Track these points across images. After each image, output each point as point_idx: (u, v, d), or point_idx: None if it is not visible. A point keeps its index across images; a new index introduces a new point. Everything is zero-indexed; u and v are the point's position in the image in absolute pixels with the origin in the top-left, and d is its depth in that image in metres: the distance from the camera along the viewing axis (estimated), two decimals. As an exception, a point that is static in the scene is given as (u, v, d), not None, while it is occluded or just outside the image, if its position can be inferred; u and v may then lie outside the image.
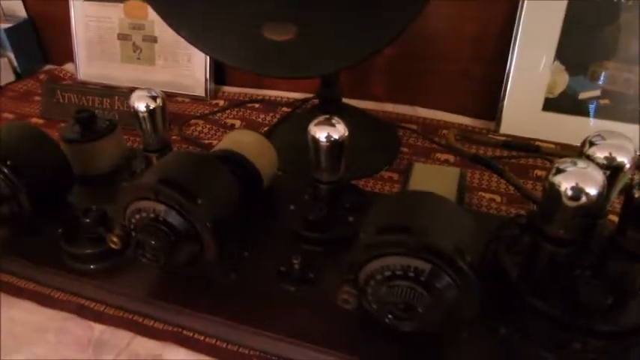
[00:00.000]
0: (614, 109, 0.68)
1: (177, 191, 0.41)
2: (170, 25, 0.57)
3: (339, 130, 0.46)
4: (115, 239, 0.42)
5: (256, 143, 0.54)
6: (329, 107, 0.69)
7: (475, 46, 0.75)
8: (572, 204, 0.35)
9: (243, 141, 0.53)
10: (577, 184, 0.35)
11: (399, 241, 0.36)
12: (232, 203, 0.45)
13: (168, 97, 0.83)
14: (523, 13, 0.68)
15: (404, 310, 0.36)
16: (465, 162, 0.59)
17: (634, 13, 0.65)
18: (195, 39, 0.56)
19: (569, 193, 0.35)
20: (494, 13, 0.72)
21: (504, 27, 0.71)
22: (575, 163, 0.36)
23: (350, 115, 0.69)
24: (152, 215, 0.41)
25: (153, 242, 0.40)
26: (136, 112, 0.51)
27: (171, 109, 0.80)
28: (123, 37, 0.88)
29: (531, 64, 0.69)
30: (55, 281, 0.49)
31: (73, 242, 0.49)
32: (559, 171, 0.36)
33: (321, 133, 0.46)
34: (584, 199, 0.35)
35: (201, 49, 0.58)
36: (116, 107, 0.76)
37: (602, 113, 0.68)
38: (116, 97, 0.77)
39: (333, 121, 0.46)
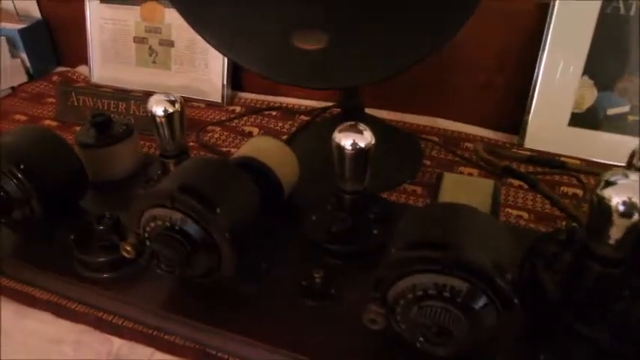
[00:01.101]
0: (643, 125, 0.66)
1: (195, 199, 0.39)
2: (199, 32, 0.55)
3: (365, 138, 0.44)
4: (128, 248, 0.40)
5: (277, 150, 0.53)
6: (351, 117, 0.67)
7: (499, 58, 0.73)
8: (623, 221, 0.33)
9: (264, 148, 0.52)
10: (630, 198, 0.32)
11: (433, 258, 0.33)
12: (252, 213, 0.44)
13: (186, 101, 0.82)
14: (552, 24, 0.66)
15: (437, 334, 0.34)
16: (491, 176, 0.57)
17: (667, 28, 0.63)
18: (224, 46, 0.54)
19: (621, 208, 0.32)
20: (520, 25, 0.70)
21: (531, 38, 0.70)
22: (626, 176, 0.33)
23: (372, 126, 0.67)
24: (168, 224, 0.40)
25: (168, 252, 0.39)
26: (153, 117, 0.50)
27: (188, 115, 0.78)
28: (139, 40, 0.87)
29: (559, 78, 0.68)
30: (66, 290, 0.47)
31: (86, 250, 0.47)
32: (609, 184, 0.33)
33: (346, 141, 0.44)
34: (637, 215, 0.32)
35: (226, 55, 0.57)
36: (132, 112, 0.75)
37: (631, 130, 0.67)
38: (132, 102, 0.75)
39: (360, 128, 0.44)
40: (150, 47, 0.86)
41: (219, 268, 0.41)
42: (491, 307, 0.33)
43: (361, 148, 0.43)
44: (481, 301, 0.33)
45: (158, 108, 0.49)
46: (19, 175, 0.46)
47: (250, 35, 0.53)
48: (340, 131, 0.44)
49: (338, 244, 0.47)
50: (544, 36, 0.67)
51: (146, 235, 0.41)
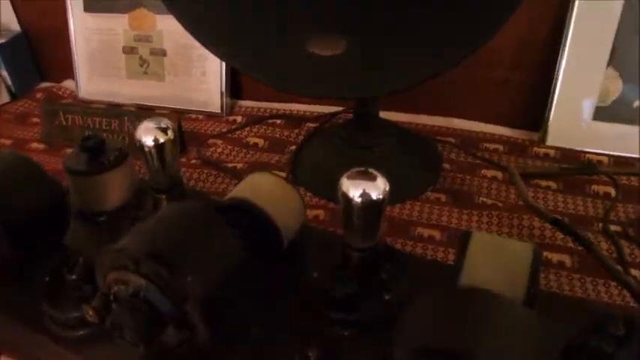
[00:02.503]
0: (671, 117, 0.63)
1: (161, 264, 0.33)
2: (206, 46, 0.51)
3: (377, 186, 0.36)
4: (90, 312, 0.34)
5: (278, 190, 0.45)
6: (365, 123, 0.63)
7: (516, 52, 0.69)
8: None
9: (262, 187, 0.45)
10: None
11: None
12: (234, 276, 0.37)
13: (181, 113, 0.78)
14: (574, 16, 0.62)
15: None
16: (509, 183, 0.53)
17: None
18: (231, 58, 0.50)
19: None
20: (539, 17, 0.66)
21: (548, 32, 0.66)
22: None
23: (388, 133, 0.64)
24: (131, 290, 0.34)
25: (130, 323, 0.33)
26: (142, 147, 0.44)
27: (186, 128, 0.74)
28: (128, 50, 0.81)
29: (582, 71, 0.64)
30: (32, 346, 0.41)
31: (56, 301, 0.40)
32: None
33: (355, 191, 0.36)
34: None
35: (238, 68, 0.52)
36: (126, 129, 0.70)
37: (659, 122, 0.63)
38: (125, 118, 0.70)
39: (371, 174, 0.37)
40: (140, 57, 0.81)
41: (193, 341, 0.35)
42: None
43: (372, 200, 0.36)
44: None
45: (147, 138, 0.43)
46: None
47: (261, 45, 0.48)
48: (348, 178, 0.37)
49: (340, 311, 0.39)
50: (565, 27, 0.63)
51: (112, 297, 0.35)
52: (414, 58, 0.46)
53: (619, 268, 0.41)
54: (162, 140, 0.43)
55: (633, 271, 0.48)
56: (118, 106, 0.80)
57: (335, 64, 0.47)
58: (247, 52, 0.52)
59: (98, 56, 0.84)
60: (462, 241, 0.37)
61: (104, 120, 0.71)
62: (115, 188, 0.52)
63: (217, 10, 0.49)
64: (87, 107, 0.76)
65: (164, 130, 0.43)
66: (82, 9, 0.82)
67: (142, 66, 0.81)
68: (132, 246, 0.34)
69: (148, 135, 0.43)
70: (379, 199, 0.36)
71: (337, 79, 0.49)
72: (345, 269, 0.40)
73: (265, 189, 0.44)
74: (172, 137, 0.44)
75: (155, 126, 0.43)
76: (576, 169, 0.58)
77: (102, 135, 0.53)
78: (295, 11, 0.47)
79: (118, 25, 0.81)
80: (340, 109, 0.73)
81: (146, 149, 0.44)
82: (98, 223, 0.50)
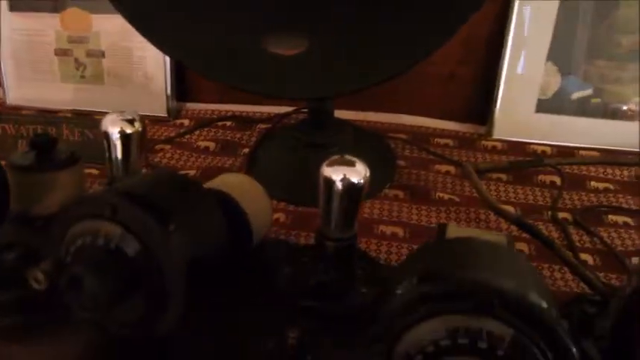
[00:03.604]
0: (606, 107, 0.67)
1: (143, 208, 0.30)
2: (154, 43, 0.48)
3: (358, 172, 0.36)
4: (39, 276, 0.29)
5: (249, 188, 0.45)
6: (320, 122, 0.62)
7: (461, 49, 0.71)
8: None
9: (234, 184, 0.44)
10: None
11: (463, 292, 0.25)
12: (218, 246, 0.35)
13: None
14: (514, 13, 0.65)
15: None
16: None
17: (625, 11, 0.64)
18: (182, 55, 0.48)
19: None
20: (483, 14, 0.68)
21: (492, 29, 0.68)
22: None
23: (343, 131, 0.63)
24: (101, 241, 0.30)
25: (93, 281, 0.28)
26: (108, 139, 0.42)
27: (130, 134, 0.70)
28: (62, 52, 0.76)
29: (524, 65, 0.67)
30: None
31: None
32: None
33: (336, 176, 0.36)
34: None
35: (189, 66, 0.50)
36: (65, 136, 0.65)
37: (595, 112, 0.67)
38: (63, 125, 0.65)
39: (351, 160, 0.37)
40: (76, 60, 0.76)
41: (163, 314, 0.31)
42: None
43: (354, 184, 0.36)
44: (529, 355, 0.25)
45: (114, 129, 0.41)
46: None
47: (213, 40, 0.46)
48: (329, 165, 0.37)
49: (318, 300, 0.38)
50: (507, 24, 0.65)
51: (68, 258, 0.31)
52: (377, 57, 0.46)
53: (579, 264, 0.43)
54: (129, 131, 0.41)
55: (583, 255, 0.51)
56: (53, 112, 0.75)
57: (296, 64, 0.47)
58: (206, 53, 0.50)
59: (27, 59, 0.77)
60: (438, 232, 0.38)
61: (39, 128, 0.65)
62: (63, 190, 0.48)
63: (170, 10, 0.47)
64: (18, 115, 0.71)
65: (131, 122, 0.41)
66: (8, 8, 0.76)
67: (77, 69, 0.76)
68: (109, 191, 0.32)
69: (114, 126, 0.41)
70: (360, 183, 0.36)
71: (299, 79, 0.48)
72: (321, 260, 0.39)
73: (237, 185, 0.43)
74: (140, 129, 0.42)
75: (122, 118, 0.42)
76: (524, 162, 0.60)
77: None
78: (253, 9, 0.46)
79: (48, 25, 0.75)
80: (292, 108, 0.72)
81: (112, 142, 0.41)
82: (39, 228, 0.45)
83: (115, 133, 0.41)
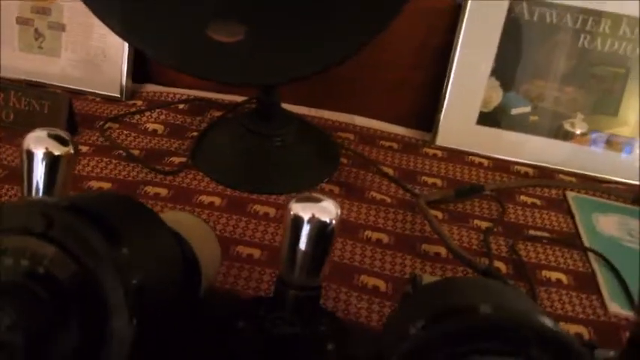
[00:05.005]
0: (542, 125, 0.70)
1: (88, 224, 0.25)
2: (101, 18, 0.49)
3: (328, 211, 0.33)
4: None
5: (199, 230, 0.40)
6: (267, 112, 0.64)
7: (415, 55, 0.74)
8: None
9: (182, 222, 0.39)
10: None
11: (495, 328, 0.22)
12: (172, 281, 0.30)
13: (76, 94, 0.74)
14: (464, 25, 0.68)
15: None
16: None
17: (566, 35, 0.67)
18: (131, 35, 0.49)
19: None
20: (435, 23, 0.71)
21: (445, 37, 0.71)
22: None
23: (289, 123, 0.65)
24: (26, 263, 0.24)
25: (11, 311, 0.22)
26: (29, 160, 0.35)
27: (80, 110, 0.70)
28: (23, 21, 0.76)
29: (469, 78, 0.69)
30: None
31: None
32: None
33: (305, 214, 0.33)
34: None
35: (136, 46, 0.51)
36: (11, 104, 0.65)
37: (532, 129, 0.70)
38: (12, 92, 0.66)
39: (320, 198, 0.34)
40: (36, 30, 0.76)
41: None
42: None
43: (324, 223, 0.33)
44: None
45: (38, 149, 0.34)
46: None
47: (161, 24, 0.48)
48: (297, 201, 0.34)
49: (280, 356, 0.33)
50: (456, 35, 0.68)
51: None
52: (314, 46, 0.48)
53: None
54: (57, 153, 0.35)
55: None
56: (4, 79, 0.75)
57: (236, 50, 0.48)
58: (148, 31, 0.51)
59: (-13, 25, 0.77)
60: (411, 285, 0.35)
61: (-13, 93, 0.66)
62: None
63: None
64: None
65: (63, 142, 0.35)
66: (-30, -28, 0.76)
67: (37, 39, 0.76)
68: (41, 202, 0.27)
69: (38, 146, 0.35)
70: (331, 222, 0.33)
71: (239, 64, 0.49)
72: (281, 311, 0.35)
73: (189, 226, 0.39)
74: (73, 152, 0.36)
75: (52, 135, 0.35)
76: (466, 191, 0.63)
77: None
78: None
79: (12, -7, 0.75)
80: (245, 98, 0.74)
81: (34, 164, 0.35)
82: None
83: (39, 153, 0.35)
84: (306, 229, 0.33)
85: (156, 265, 0.28)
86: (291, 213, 0.33)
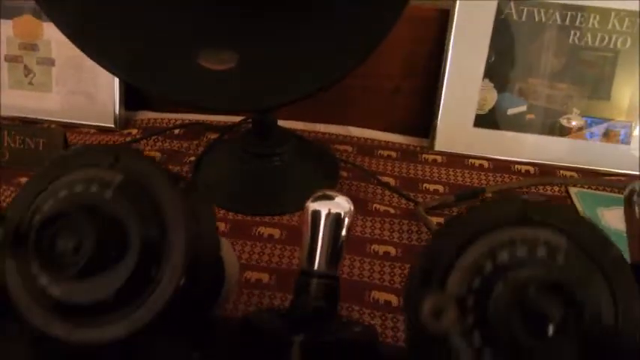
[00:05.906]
0: (539, 122, 0.70)
1: (150, 160, 0.28)
2: (90, 56, 0.49)
3: (342, 205, 0.37)
4: None
5: (225, 247, 0.40)
6: (263, 132, 0.64)
7: (407, 63, 0.74)
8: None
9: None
10: None
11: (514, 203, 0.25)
12: (213, 263, 0.31)
13: (70, 128, 0.74)
14: (453, 30, 0.68)
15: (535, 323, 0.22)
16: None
17: (555, 33, 0.67)
18: (117, 67, 0.48)
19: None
20: (425, 30, 0.71)
21: (436, 43, 0.71)
22: None
23: (286, 141, 0.65)
24: (95, 189, 0.26)
25: (75, 232, 0.24)
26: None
27: (75, 143, 0.70)
28: (11, 58, 0.76)
29: (463, 82, 0.70)
30: None
31: None
32: None
33: (322, 208, 0.37)
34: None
35: (122, 78, 0.51)
36: (6, 143, 0.65)
37: (529, 127, 0.70)
38: (5, 132, 0.65)
39: (332, 195, 0.38)
40: (25, 66, 0.76)
41: (148, 289, 0.25)
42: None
43: (339, 214, 0.37)
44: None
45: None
46: None
47: (152, 54, 0.48)
48: (314, 200, 0.38)
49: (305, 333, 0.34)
50: (447, 40, 0.68)
51: (34, 215, 0.26)
52: (303, 71, 0.48)
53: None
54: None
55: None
56: (-2, 118, 0.75)
57: (226, 78, 0.48)
58: (134, 62, 0.51)
59: (-25, 65, 0.77)
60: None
61: (-19, 134, 0.65)
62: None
63: (104, 21, 0.48)
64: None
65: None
66: (-46, 14, 0.76)
67: (26, 76, 0.76)
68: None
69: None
70: (345, 215, 0.37)
71: (228, 91, 0.49)
72: (305, 296, 0.36)
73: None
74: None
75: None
76: (466, 195, 0.63)
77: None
78: (183, 23, 0.47)
79: (1, 31, 0.75)
80: (241, 118, 0.74)
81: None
82: None
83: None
84: (323, 222, 0.36)
85: (201, 235, 0.29)
86: (310, 210, 0.37)
